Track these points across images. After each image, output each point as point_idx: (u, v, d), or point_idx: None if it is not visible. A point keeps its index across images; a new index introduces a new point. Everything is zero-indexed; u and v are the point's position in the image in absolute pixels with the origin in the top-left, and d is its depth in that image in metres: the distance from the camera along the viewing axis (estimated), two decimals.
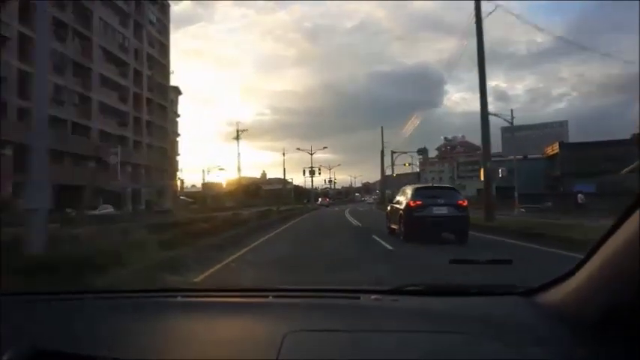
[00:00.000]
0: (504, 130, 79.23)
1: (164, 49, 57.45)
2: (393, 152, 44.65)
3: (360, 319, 1.40)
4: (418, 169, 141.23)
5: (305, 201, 79.64)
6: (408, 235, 12.28)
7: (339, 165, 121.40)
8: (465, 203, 12.92)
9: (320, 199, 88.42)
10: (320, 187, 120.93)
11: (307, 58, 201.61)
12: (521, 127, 75.11)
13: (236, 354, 1.16)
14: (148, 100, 52.48)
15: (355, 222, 23.37)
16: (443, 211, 12.35)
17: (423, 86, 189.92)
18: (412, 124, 47.25)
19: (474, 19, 18.40)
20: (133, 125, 48.82)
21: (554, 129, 60.13)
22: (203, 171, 76.66)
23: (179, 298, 1.72)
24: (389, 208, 15.85)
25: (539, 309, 1.32)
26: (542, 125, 66.23)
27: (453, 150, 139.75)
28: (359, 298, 1.59)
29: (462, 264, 2.34)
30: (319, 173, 73.02)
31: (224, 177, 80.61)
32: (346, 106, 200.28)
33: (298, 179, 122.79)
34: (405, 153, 49.38)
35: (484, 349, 1.13)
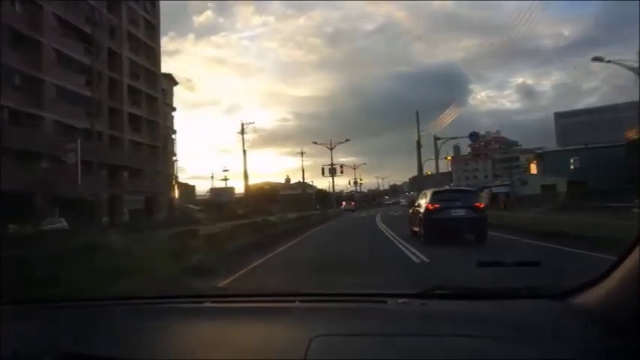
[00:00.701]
0: (558, 116, 67.44)
1: (152, 30, 48.37)
2: (437, 138, 34.17)
3: (386, 323, 1.39)
4: (449, 169, 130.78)
5: (317, 207, 70.18)
6: (427, 236, 12.61)
7: (364, 164, 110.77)
8: (482, 205, 13.77)
9: (344, 204, 78.70)
10: (345, 191, 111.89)
11: (329, 63, 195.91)
12: (580, 112, 63.50)
13: (263, 358, 1.19)
14: (131, 89, 43.36)
15: (412, 251, 10.86)
16: (461, 213, 12.68)
17: (448, 86, 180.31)
18: (450, 115, 37.02)
19: None
20: (109, 117, 39.62)
21: (625, 112, 48.77)
22: (212, 177, 68.15)
23: (207, 304, 1.72)
24: (410, 211, 16.33)
25: (572, 312, 1.30)
26: (610, 108, 54.66)
27: (487, 146, 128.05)
28: (386, 302, 1.57)
29: (489, 267, 2.30)
30: (341, 172, 63.28)
31: (239, 182, 73.09)
32: (370, 109, 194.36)
33: (323, 183, 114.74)
34: (454, 139, 38.84)
35: (516, 353, 1.12)
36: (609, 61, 27.88)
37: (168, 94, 53.37)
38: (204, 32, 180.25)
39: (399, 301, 1.54)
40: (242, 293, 2.07)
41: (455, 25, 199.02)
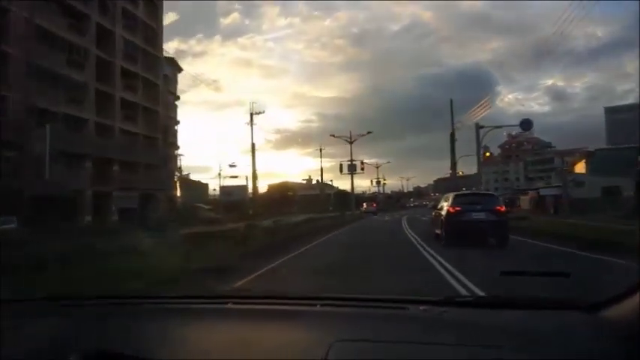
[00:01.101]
0: (609, 111, 59.37)
1: (152, 7, 43.43)
2: (479, 127, 27.93)
3: (407, 330, 1.38)
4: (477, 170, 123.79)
5: (330, 208, 64.05)
6: (448, 239, 12.90)
7: (387, 162, 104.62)
8: (503, 209, 14.11)
9: (365, 205, 72.75)
10: (367, 192, 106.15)
11: (354, 64, 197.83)
12: (633, 106, 55.17)
13: None
14: (125, 72, 38.43)
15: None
16: (481, 216, 13.00)
17: (474, 88, 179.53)
18: (484, 107, 30.71)
19: None
20: (96, 102, 34.70)
21: None
22: (219, 174, 62.59)
23: (229, 305, 1.72)
24: (433, 214, 16.61)
25: (600, 326, 1.27)
26: None
27: (518, 147, 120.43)
28: (407, 308, 1.57)
29: (514, 275, 2.19)
30: (362, 169, 57.35)
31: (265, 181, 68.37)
32: (394, 110, 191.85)
33: (345, 184, 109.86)
34: (500, 127, 32.50)
35: None
36: None
37: (172, 82, 48.38)
38: (231, 34, 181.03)
39: (421, 307, 1.54)
40: (264, 295, 2.03)
41: (483, 26, 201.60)
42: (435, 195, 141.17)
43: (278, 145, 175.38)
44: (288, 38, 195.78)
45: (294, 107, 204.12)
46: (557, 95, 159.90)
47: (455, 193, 15.31)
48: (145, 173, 39.50)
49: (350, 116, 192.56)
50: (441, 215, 13.98)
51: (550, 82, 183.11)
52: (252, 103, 42.88)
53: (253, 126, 40.89)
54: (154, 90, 42.56)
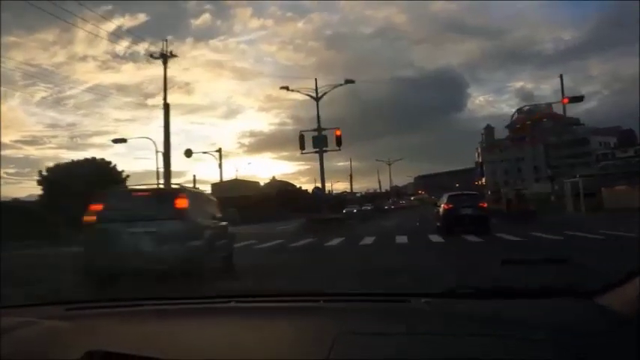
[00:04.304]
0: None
1: None
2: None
3: (410, 323, 1.38)
4: (479, 159, 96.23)
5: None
6: (443, 227, 17.78)
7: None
8: (485, 205, 19.10)
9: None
10: (332, 192, 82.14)
11: (328, 66, 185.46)
12: None
13: (287, 356, 1.19)
14: None
15: None
16: (468, 211, 17.50)
17: (447, 90, 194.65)
18: None
19: None
20: None
21: None
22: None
23: (232, 304, 1.73)
24: (435, 210, 21.86)
25: (599, 312, 1.30)
26: None
27: (535, 127, 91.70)
28: (409, 301, 1.58)
29: (515, 264, 2.32)
30: (338, 144, 28.63)
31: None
32: (369, 113, 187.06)
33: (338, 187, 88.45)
34: None
35: (543, 353, 1.11)
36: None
37: None
38: (202, 36, 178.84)
39: (423, 300, 1.56)
40: (267, 293, 1.99)
41: (454, 29, 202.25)
42: (421, 193, 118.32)
43: (252, 149, 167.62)
44: (261, 40, 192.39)
45: (268, 110, 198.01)
46: (526, 97, 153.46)
47: (448, 194, 19.77)
48: None
49: (325, 119, 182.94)
50: (439, 211, 19.01)
51: (520, 84, 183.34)
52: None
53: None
54: None
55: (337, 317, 1.47)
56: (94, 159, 33.53)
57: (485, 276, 6.07)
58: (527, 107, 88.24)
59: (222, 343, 1.31)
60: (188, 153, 37.63)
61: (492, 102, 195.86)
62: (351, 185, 79.76)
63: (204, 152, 37.92)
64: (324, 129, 29.28)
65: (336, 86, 29.88)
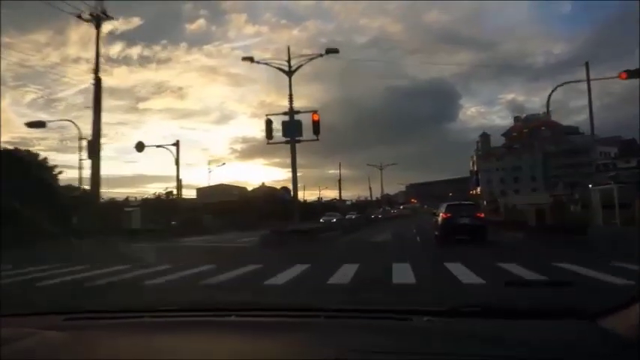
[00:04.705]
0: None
1: None
2: None
3: (411, 342, 1.37)
4: (474, 167, 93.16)
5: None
6: (442, 236, 18.21)
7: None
8: (482, 215, 19.41)
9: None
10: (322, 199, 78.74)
11: (323, 74, 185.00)
12: None
13: None
14: None
15: None
16: (465, 221, 17.83)
17: (439, 100, 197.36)
18: None
19: None
20: None
21: None
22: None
23: (233, 317, 1.71)
24: (433, 220, 21.86)
25: (602, 334, 1.28)
26: None
27: (533, 135, 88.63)
28: (411, 319, 1.56)
29: (518, 286, 2.32)
30: (316, 133, 23.05)
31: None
32: (363, 122, 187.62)
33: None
34: None
35: None
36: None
37: None
38: (197, 41, 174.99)
39: (425, 319, 1.54)
40: (269, 307, 1.98)
41: (447, 40, 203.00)
42: (413, 202, 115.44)
43: (244, 155, 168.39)
44: (255, 47, 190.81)
45: (262, 116, 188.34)
46: (517, 109, 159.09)
47: (447, 203, 20.17)
48: None
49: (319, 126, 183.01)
50: (438, 220, 19.14)
51: (511, 96, 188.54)
52: None
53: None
54: None
55: (338, 334, 1.45)
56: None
57: (489, 295, 5.49)
58: (523, 115, 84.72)
59: (222, 357, 1.29)
60: (140, 146, 34.44)
61: (484, 113, 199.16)
62: (340, 191, 76.51)
63: (158, 146, 34.13)
64: (297, 112, 23.84)
65: (312, 58, 25.01)
